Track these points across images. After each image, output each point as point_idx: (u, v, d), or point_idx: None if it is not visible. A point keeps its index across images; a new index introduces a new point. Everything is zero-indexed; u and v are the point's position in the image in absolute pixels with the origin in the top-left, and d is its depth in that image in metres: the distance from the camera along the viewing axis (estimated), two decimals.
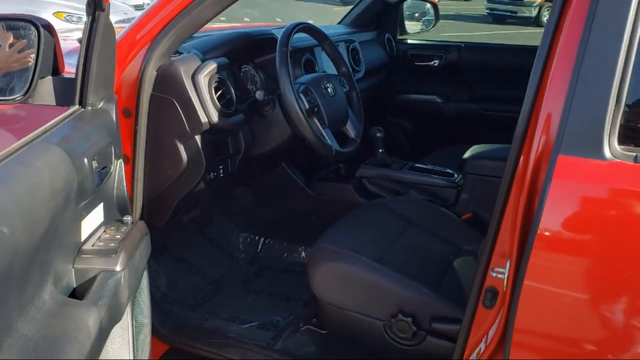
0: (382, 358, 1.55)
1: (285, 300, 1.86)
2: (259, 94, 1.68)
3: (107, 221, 1.16)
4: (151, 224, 1.29)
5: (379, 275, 1.44)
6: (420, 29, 3.22)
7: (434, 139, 2.78)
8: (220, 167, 1.68)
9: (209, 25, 1.56)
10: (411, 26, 3.16)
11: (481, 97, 2.83)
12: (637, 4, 0.88)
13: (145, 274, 1.27)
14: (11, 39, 1.29)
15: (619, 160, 0.90)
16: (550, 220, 0.93)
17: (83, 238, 1.06)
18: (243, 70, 1.83)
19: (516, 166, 1.02)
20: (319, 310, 1.58)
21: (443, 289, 1.43)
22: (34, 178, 0.83)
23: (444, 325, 1.37)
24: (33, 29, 1.20)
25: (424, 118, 2.93)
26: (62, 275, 0.97)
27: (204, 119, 1.51)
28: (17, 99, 1.21)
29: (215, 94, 1.56)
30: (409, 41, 3.05)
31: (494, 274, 1.07)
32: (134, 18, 1.49)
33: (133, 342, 1.21)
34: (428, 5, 3.17)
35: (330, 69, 2.15)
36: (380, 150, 2.21)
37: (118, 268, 1.03)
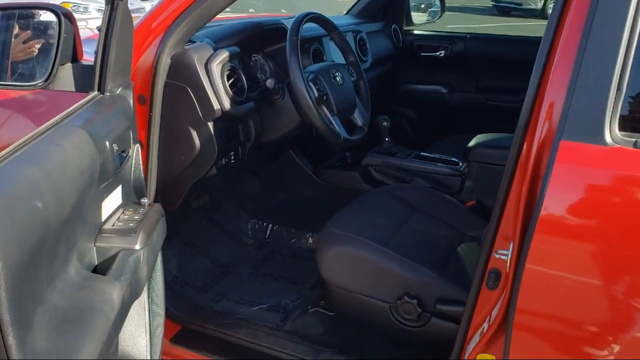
0: (388, 339, 1.59)
1: (293, 284, 1.90)
2: (269, 82, 1.71)
3: (125, 203, 1.21)
4: (164, 207, 1.33)
5: (385, 259, 1.48)
6: (427, 20, 3.25)
7: (439, 129, 2.81)
8: (231, 153, 1.72)
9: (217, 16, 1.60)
10: (417, 17, 3.19)
11: (486, 87, 2.85)
12: None
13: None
14: (17, 30, 1.33)
15: (619, 145, 0.93)
16: (552, 203, 0.96)
17: (103, 218, 1.11)
18: (253, 59, 1.86)
19: (520, 152, 1.05)
20: (327, 292, 1.62)
21: (447, 272, 1.47)
22: (63, 156, 0.87)
23: (448, 307, 1.41)
24: (54, 17, 1.24)
25: (430, 108, 2.96)
26: (84, 253, 1.02)
27: (216, 106, 1.55)
28: (39, 84, 1.26)
29: (227, 82, 1.60)
30: (415, 32, 3.07)
31: (497, 256, 1.11)
32: (140, 9, 1.52)
33: (149, 322, 1.26)
34: None
35: (337, 58, 2.18)
36: (386, 139, 2.25)
37: (138, 247, 1.07)
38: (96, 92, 1.19)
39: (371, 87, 2.14)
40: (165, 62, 1.46)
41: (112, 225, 1.11)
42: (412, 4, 3.13)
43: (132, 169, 1.25)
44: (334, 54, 2.21)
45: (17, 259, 0.70)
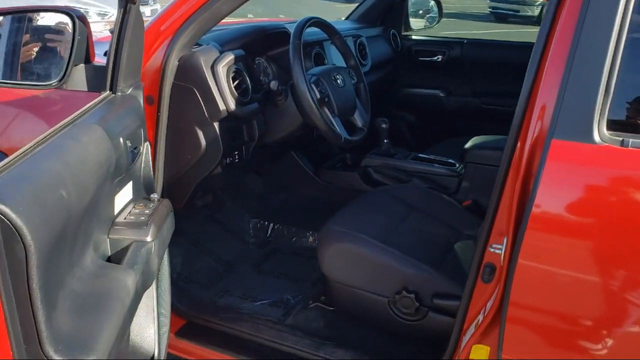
0: (386, 333, 1.63)
1: (295, 281, 1.95)
2: (273, 84, 1.77)
3: (135, 199, 1.26)
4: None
5: (384, 255, 1.53)
6: (424, 26, 3.31)
7: (436, 132, 2.86)
8: (236, 153, 1.77)
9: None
10: (415, 23, 3.25)
11: (482, 91, 2.91)
12: (624, 5, 0.98)
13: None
14: (29, 35, 1.38)
15: (607, 144, 0.99)
16: (544, 198, 1.01)
17: (116, 212, 1.16)
18: (257, 62, 1.91)
19: (513, 150, 1.10)
20: (327, 288, 1.67)
21: (444, 268, 1.52)
22: (82, 151, 0.92)
23: (445, 301, 1.46)
24: (69, 19, 1.29)
25: (427, 111, 3.02)
26: (99, 244, 1.06)
27: (222, 106, 1.60)
28: (53, 84, 1.31)
29: (233, 83, 1.65)
30: (413, 37, 3.13)
31: (492, 250, 1.15)
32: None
33: (157, 311, 1.30)
34: (432, 3, 3.26)
35: (338, 62, 2.24)
36: (385, 141, 2.30)
37: (149, 239, 1.12)
38: (108, 92, 1.24)
39: (371, 90, 2.19)
40: (173, 64, 1.50)
41: (125, 219, 1.16)
42: (410, 10, 3.19)
43: (142, 165, 1.30)
44: (335, 58, 2.27)
45: (45, 243, 0.74)
